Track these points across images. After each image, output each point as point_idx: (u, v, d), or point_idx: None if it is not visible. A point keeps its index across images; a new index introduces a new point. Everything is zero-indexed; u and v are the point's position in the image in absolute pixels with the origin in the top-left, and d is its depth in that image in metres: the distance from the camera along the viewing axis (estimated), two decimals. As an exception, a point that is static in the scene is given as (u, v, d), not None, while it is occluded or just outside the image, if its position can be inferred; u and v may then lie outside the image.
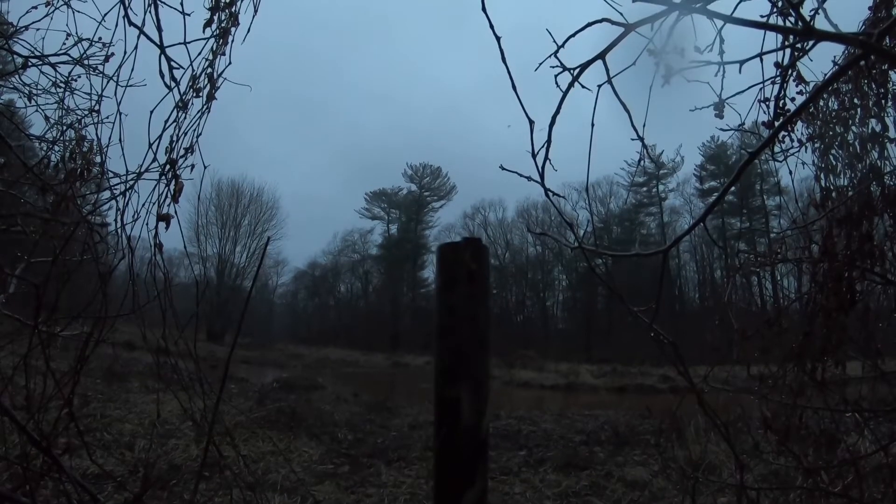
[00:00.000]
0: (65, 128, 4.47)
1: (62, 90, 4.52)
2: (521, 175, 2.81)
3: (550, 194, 2.89)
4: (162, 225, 3.55)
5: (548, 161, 2.83)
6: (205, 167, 3.58)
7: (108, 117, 3.83)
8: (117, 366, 17.58)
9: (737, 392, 4.37)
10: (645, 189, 70.82)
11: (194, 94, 3.51)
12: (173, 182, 3.52)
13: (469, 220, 75.45)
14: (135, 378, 15.55)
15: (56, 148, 4.51)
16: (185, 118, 3.49)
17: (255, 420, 10.21)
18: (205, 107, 3.54)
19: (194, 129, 3.52)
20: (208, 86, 3.53)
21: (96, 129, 4.01)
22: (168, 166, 3.51)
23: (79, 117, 4.41)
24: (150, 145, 3.43)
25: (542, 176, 2.84)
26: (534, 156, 2.78)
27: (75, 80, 4.46)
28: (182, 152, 3.51)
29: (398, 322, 72.58)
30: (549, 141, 2.81)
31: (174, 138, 3.48)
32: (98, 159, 4.05)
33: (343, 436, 10.80)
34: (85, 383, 13.81)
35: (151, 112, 3.37)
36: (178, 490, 6.91)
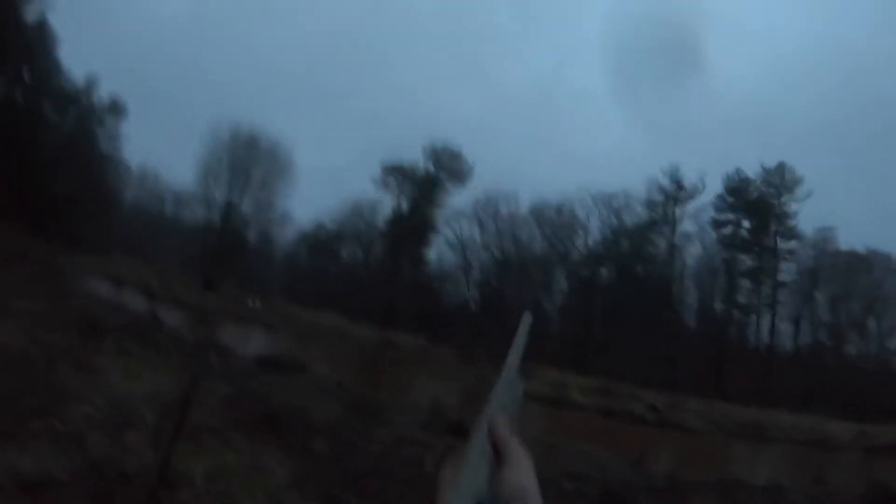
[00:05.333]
0: None
1: None
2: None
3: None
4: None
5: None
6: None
7: None
8: (94, 309, 16.85)
9: None
10: (661, 208, 69.81)
11: None
12: None
13: (480, 207, 74.46)
14: (111, 335, 14.67)
15: None
16: None
17: (227, 421, 9.36)
18: None
19: None
20: None
21: None
22: None
23: None
24: None
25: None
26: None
27: None
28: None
29: (394, 298, 71.74)
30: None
31: None
32: None
33: (319, 448, 9.95)
34: (55, 334, 13.03)
35: None
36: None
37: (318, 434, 10.79)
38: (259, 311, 48.00)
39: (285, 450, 9.33)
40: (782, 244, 65.22)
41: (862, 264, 60.64)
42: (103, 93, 68.28)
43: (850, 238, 63.63)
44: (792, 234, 64.92)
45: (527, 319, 1.27)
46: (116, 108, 69.59)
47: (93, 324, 14.96)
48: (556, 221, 72.48)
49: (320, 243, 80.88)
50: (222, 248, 65.99)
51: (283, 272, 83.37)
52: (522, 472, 0.88)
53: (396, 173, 79.06)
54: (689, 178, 67.81)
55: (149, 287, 36.70)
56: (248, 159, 71.09)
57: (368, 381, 20.19)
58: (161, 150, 79.25)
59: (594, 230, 71.90)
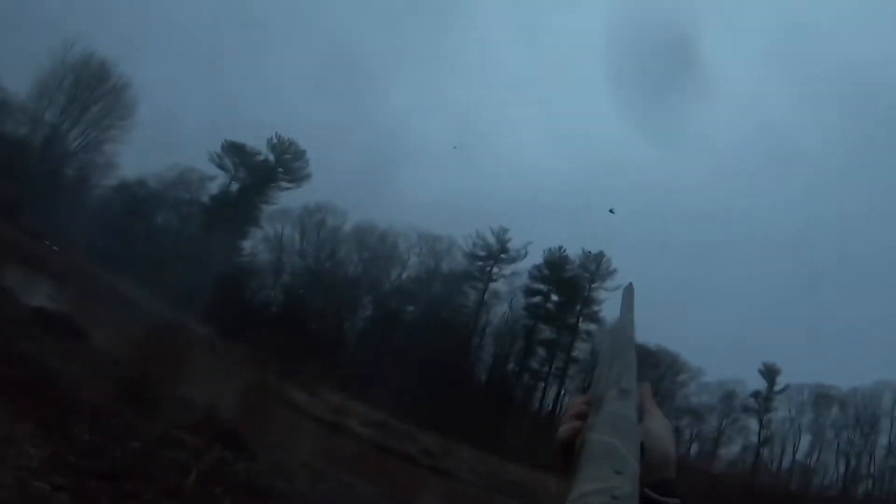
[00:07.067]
0: None
1: None
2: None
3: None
4: None
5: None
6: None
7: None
8: None
9: None
10: (480, 263, 72.01)
11: None
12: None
13: (307, 214, 73.26)
14: None
15: None
16: None
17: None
18: None
19: None
20: None
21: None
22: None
23: None
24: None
25: None
26: None
27: None
28: None
29: (197, 279, 68.87)
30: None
31: None
32: None
33: (80, 434, 9.24)
34: None
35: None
36: None
37: (83, 416, 10.06)
38: (52, 256, 44.47)
39: (43, 428, 8.60)
40: (583, 324, 69.41)
41: (649, 359, 65.16)
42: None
43: (646, 334, 68.20)
44: (594, 317, 69.25)
45: (630, 290, 1.43)
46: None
47: None
48: (376, 248, 73.11)
49: (138, 200, 76.49)
50: (33, 173, 61.06)
51: (90, 220, 78.13)
52: (662, 424, 1.17)
53: (235, 153, 76.69)
54: (514, 243, 70.72)
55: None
56: (91, 91, 66.52)
57: (148, 364, 19.13)
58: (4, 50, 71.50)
59: (411, 266, 73.02)
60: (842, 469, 63.56)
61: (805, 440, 65.82)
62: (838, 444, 63.80)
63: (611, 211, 62.62)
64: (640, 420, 1.10)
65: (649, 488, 1.04)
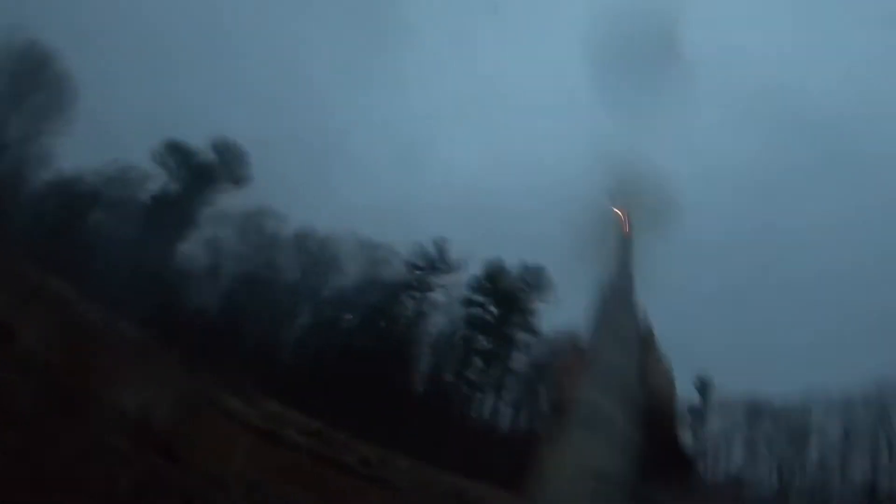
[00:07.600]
0: None
1: None
2: None
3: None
4: None
5: None
6: None
7: None
8: None
9: None
10: (419, 273, 72.26)
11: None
12: None
13: (247, 217, 72.22)
14: None
15: None
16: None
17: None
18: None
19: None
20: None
21: None
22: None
23: None
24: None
25: None
26: None
27: None
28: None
29: (131, 280, 67.14)
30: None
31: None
32: None
33: (9, 440, 8.96)
34: None
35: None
36: None
37: (12, 422, 9.75)
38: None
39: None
40: (520, 336, 70.04)
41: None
42: None
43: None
44: (531, 329, 69.94)
45: (629, 241, 1.42)
46: None
47: None
48: (316, 254, 72.65)
49: (74, 196, 74.30)
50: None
51: (24, 216, 75.53)
52: (664, 376, 1.15)
53: (177, 152, 75.32)
54: (454, 253, 71.29)
55: None
56: (30, 80, 64.33)
57: (80, 369, 18.63)
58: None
59: (351, 274, 72.75)
60: (775, 481, 65.09)
61: (738, 453, 67.33)
62: (771, 457, 65.42)
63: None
64: (641, 373, 1.07)
65: (652, 442, 1.00)
